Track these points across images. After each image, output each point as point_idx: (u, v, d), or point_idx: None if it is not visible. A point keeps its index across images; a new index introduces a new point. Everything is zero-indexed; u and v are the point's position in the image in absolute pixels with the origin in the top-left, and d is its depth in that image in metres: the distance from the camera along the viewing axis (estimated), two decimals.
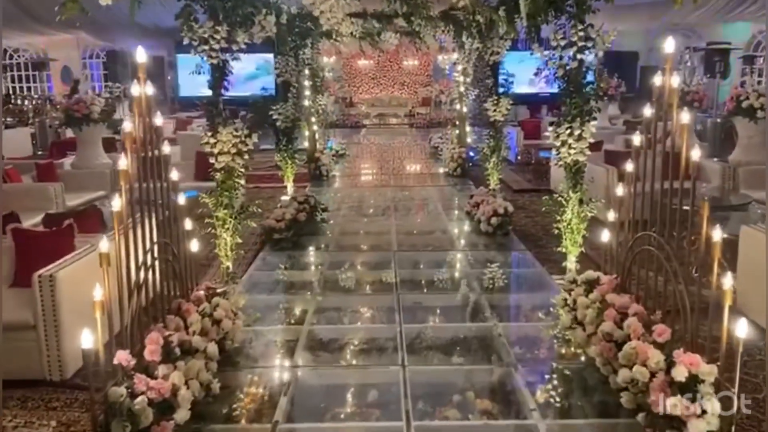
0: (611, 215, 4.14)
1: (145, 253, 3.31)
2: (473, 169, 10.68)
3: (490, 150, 8.48)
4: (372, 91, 23.54)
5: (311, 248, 6.70)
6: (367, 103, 22.34)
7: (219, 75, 5.06)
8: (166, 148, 3.70)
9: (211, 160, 5.12)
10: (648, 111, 3.66)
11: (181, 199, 3.90)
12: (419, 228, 7.82)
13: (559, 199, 5.19)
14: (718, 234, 2.89)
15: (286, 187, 9.27)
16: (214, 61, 4.94)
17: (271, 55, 10.53)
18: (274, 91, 9.99)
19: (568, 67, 4.89)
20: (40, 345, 3.67)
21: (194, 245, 4.08)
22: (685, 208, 3.28)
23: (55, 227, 4.42)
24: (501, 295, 5.38)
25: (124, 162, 3.11)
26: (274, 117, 8.58)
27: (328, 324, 4.67)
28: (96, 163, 8.69)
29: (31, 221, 5.53)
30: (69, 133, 10.80)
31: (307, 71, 10.16)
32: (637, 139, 3.84)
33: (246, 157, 5.20)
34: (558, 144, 5.06)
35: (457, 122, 11.36)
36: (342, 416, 3.40)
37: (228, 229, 5.22)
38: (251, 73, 19.05)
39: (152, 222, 3.44)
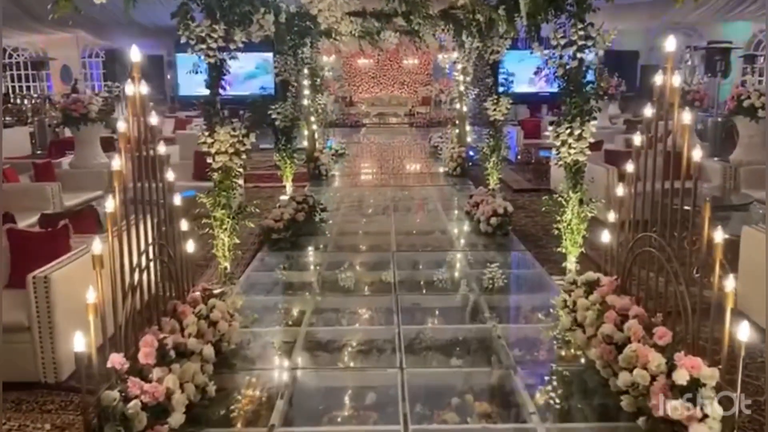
0: (611, 215, 4.11)
1: (140, 254, 3.28)
2: (473, 169, 10.64)
3: (489, 149, 8.45)
4: (372, 90, 23.48)
5: (310, 248, 6.67)
6: (367, 103, 22.28)
7: (216, 74, 5.02)
8: (162, 148, 3.66)
9: (209, 160, 5.09)
10: (648, 110, 3.63)
11: (177, 200, 3.86)
12: (418, 228, 7.78)
13: (559, 199, 5.16)
14: (719, 235, 2.86)
15: (285, 186, 9.24)
16: (212, 60, 4.90)
17: (270, 54, 10.53)
18: (273, 91, 9.98)
19: (568, 67, 4.86)
20: (35, 347, 3.64)
21: (190, 246, 4.05)
22: (686, 208, 3.25)
23: (51, 228, 4.39)
24: (500, 296, 5.35)
25: (117, 162, 3.07)
26: (273, 116, 8.56)
27: (326, 325, 4.64)
28: (94, 163, 8.67)
29: (28, 221, 5.49)
30: (68, 133, 10.76)
31: (306, 70, 10.11)
32: (637, 138, 3.81)
33: (244, 156, 5.17)
34: (558, 143, 5.03)
35: (457, 121, 11.32)
36: (339, 419, 3.37)
37: (226, 229, 5.19)
38: (250, 72, 19.07)
39: (147, 223, 3.40)
